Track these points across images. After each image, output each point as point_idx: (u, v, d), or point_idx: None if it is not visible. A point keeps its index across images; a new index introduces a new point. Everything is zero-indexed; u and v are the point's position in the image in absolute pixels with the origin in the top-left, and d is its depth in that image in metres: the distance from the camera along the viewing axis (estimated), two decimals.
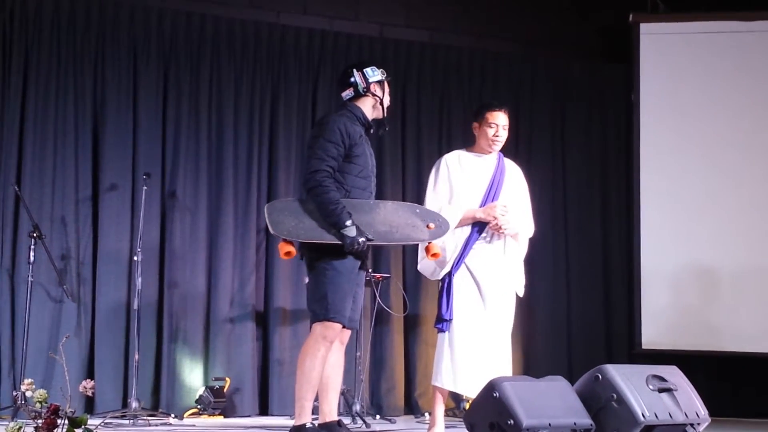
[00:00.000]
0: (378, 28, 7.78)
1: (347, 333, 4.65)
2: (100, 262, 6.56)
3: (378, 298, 6.53)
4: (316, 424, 4.58)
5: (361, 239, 4.38)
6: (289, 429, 4.47)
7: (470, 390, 4.87)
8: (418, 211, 4.70)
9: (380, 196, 7.34)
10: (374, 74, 4.69)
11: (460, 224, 5.01)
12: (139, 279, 6.14)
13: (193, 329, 6.74)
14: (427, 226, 4.63)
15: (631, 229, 7.92)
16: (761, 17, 7.79)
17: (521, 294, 5.17)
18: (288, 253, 4.47)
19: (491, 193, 5.07)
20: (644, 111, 7.89)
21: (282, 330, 6.97)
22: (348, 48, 7.51)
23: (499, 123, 5.12)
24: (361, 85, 4.67)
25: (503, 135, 5.14)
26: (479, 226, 5.01)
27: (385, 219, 4.57)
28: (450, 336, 4.95)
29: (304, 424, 4.43)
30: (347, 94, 4.70)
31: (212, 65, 7.07)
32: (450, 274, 4.99)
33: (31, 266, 6.03)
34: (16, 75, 6.53)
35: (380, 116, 4.76)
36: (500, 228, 4.96)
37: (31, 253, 6.03)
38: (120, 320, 6.52)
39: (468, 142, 7.76)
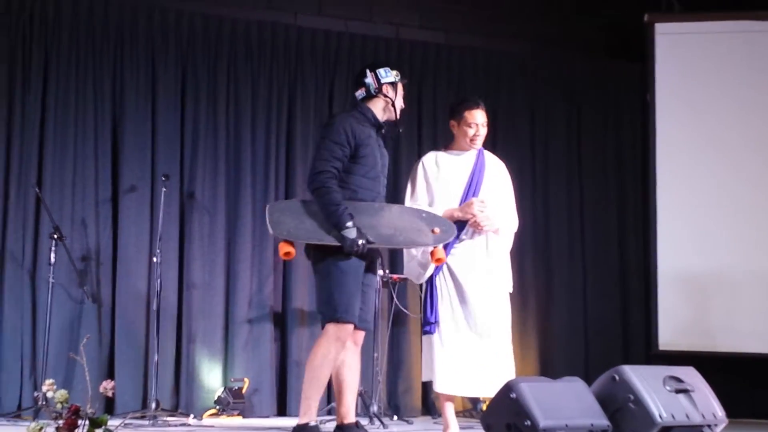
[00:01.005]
0: (393, 29, 7.80)
1: (361, 334, 4.65)
2: (119, 264, 6.61)
3: (395, 299, 6.56)
4: (334, 426, 4.63)
5: (361, 241, 4.38)
6: (293, 427, 4.51)
7: (462, 390, 4.90)
8: (424, 215, 4.70)
9: (398, 195, 7.39)
10: (387, 75, 4.70)
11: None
12: (159, 280, 6.18)
13: (211, 330, 6.78)
14: (432, 231, 4.62)
15: (648, 229, 7.91)
16: None
17: (510, 289, 5.05)
18: (287, 254, 4.48)
19: (470, 191, 4.95)
20: (660, 111, 7.88)
21: (300, 331, 7.00)
22: (363, 49, 7.54)
23: (478, 122, 4.99)
24: (373, 85, 4.68)
25: (483, 133, 5.02)
26: (459, 226, 4.87)
27: (390, 222, 4.58)
28: (437, 338, 4.90)
29: (308, 423, 4.45)
30: (360, 93, 4.71)
31: (230, 66, 7.11)
32: (432, 277, 4.93)
33: (51, 267, 6.09)
34: (36, 77, 6.59)
35: (392, 118, 4.75)
36: (479, 225, 4.86)
37: (52, 255, 6.09)
38: (139, 321, 6.57)
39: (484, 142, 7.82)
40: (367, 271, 4.60)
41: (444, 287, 4.92)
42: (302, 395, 4.51)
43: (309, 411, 4.46)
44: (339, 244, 4.41)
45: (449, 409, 5.01)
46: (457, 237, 4.87)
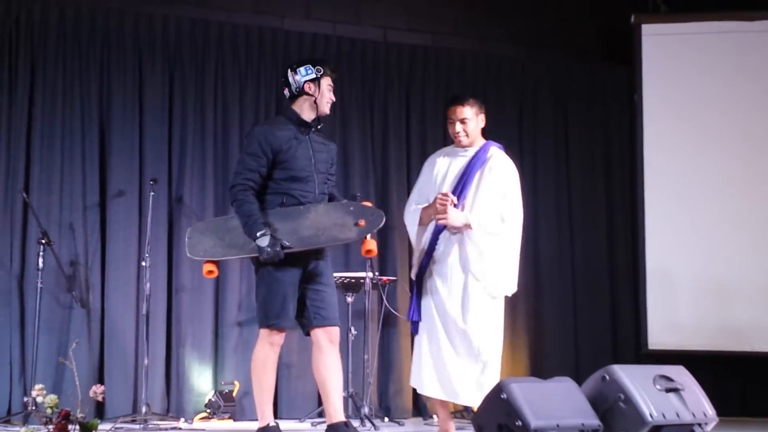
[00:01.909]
0: (381, 32, 7.81)
1: (333, 330, 4.70)
2: (108, 268, 6.60)
3: (385, 300, 6.56)
4: (325, 426, 4.69)
5: (275, 249, 4.47)
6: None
7: (434, 392, 4.84)
8: (351, 209, 4.70)
9: (386, 199, 7.41)
10: (307, 73, 4.74)
11: (422, 223, 4.91)
12: (148, 284, 6.18)
13: (201, 334, 6.77)
14: (357, 224, 4.63)
15: (636, 229, 7.94)
16: (763, 17, 7.81)
17: (497, 293, 4.82)
18: (210, 272, 4.68)
19: (458, 188, 4.87)
20: (647, 112, 7.92)
21: (289, 334, 6.84)
22: (351, 52, 7.55)
23: (456, 117, 4.93)
24: (294, 85, 4.74)
25: (462, 128, 4.92)
26: (436, 227, 4.83)
27: (313, 223, 4.61)
28: (417, 338, 4.90)
29: (267, 425, 4.62)
30: (286, 93, 4.80)
31: (217, 71, 7.10)
32: (418, 276, 4.91)
33: (40, 272, 6.07)
34: (23, 82, 6.57)
35: (320, 113, 4.76)
36: (438, 219, 4.77)
37: (40, 260, 6.06)
38: (129, 325, 6.55)
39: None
40: (316, 275, 4.68)
41: (427, 287, 4.87)
42: (255, 402, 4.72)
43: (263, 415, 4.64)
44: (256, 254, 4.53)
45: (440, 410, 5.00)
46: (438, 237, 4.83)
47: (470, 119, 4.94)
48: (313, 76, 4.73)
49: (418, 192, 5.03)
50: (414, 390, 7.16)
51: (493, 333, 4.81)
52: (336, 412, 4.66)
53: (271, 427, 4.62)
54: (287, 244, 4.51)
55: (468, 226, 4.77)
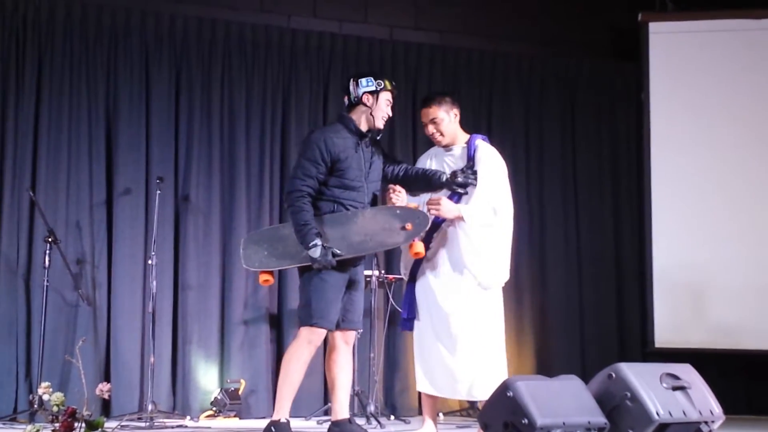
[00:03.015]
0: (387, 30, 7.80)
1: (351, 334, 4.86)
2: (114, 266, 6.60)
3: (391, 299, 6.56)
4: (330, 423, 4.83)
5: (327, 258, 4.55)
6: (267, 422, 4.78)
7: (425, 388, 4.88)
8: (398, 212, 4.73)
9: None
10: (367, 84, 4.81)
11: None
12: (154, 282, 6.19)
13: (207, 332, 6.77)
14: (404, 228, 4.68)
15: (643, 227, 7.93)
16: None
17: (490, 284, 4.82)
18: (266, 281, 4.80)
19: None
20: (654, 110, 7.90)
21: (296, 332, 6.95)
22: (358, 51, 7.54)
23: (426, 120, 4.95)
24: (353, 94, 4.82)
25: (434, 129, 4.93)
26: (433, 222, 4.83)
27: (361, 228, 4.68)
28: (414, 335, 4.94)
29: (279, 420, 4.69)
30: (345, 102, 4.87)
31: (224, 69, 7.11)
32: (414, 274, 4.92)
33: (46, 271, 6.08)
34: (30, 80, 6.58)
35: (374, 126, 4.82)
36: (432, 211, 4.76)
37: (47, 258, 6.08)
38: (135, 323, 6.56)
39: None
40: (354, 280, 4.80)
41: (419, 284, 4.89)
42: (277, 394, 4.78)
43: (282, 409, 4.72)
44: (308, 263, 4.62)
45: (425, 407, 5.02)
46: (430, 236, 4.83)
47: (442, 118, 4.94)
48: (373, 88, 4.81)
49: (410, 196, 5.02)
50: None
51: (490, 325, 4.82)
52: (341, 409, 4.81)
53: (282, 422, 4.69)
54: (338, 252, 4.60)
55: (460, 218, 4.78)
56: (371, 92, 4.79)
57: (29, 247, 6.42)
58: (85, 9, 6.78)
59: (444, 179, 4.84)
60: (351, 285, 4.80)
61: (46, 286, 6.08)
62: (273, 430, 4.67)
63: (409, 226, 4.67)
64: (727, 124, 7.76)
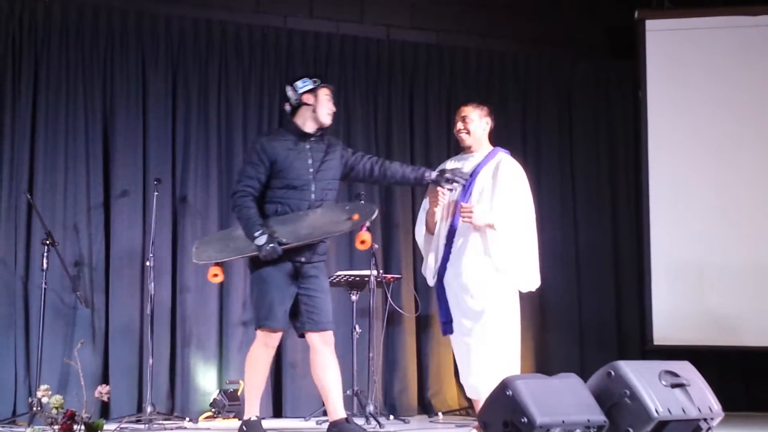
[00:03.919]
0: (384, 30, 7.80)
1: (326, 334, 4.95)
2: (112, 268, 6.60)
3: (389, 299, 6.54)
4: (328, 423, 4.95)
5: (271, 245, 4.73)
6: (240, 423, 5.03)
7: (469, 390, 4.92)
8: (347, 207, 4.99)
9: (389, 197, 7.40)
10: (304, 85, 4.99)
11: (428, 229, 4.99)
12: (152, 284, 6.18)
13: (206, 333, 6.77)
14: (350, 218, 4.88)
15: (641, 225, 7.93)
16: (767, 11, 7.79)
17: (525, 287, 4.93)
18: (215, 275, 4.98)
19: (465, 192, 4.91)
20: (651, 107, 7.90)
21: (294, 333, 6.94)
22: (354, 51, 7.54)
23: (458, 116, 5.04)
24: (293, 99, 5.00)
25: (462, 126, 4.99)
26: (450, 228, 4.91)
27: (310, 223, 4.87)
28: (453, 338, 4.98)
29: (249, 418, 4.95)
30: (287, 108, 5.06)
31: (220, 70, 7.10)
32: (439, 279, 4.95)
33: (44, 273, 6.07)
34: (26, 83, 6.57)
35: (321, 124, 4.98)
36: (464, 219, 4.81)
37: (44, 261, 6.06)
38: (134, 325, 6.56)
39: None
40: (309, 281, 4.92)
41: (449, 288, 4.91)
42: (245, 395, 5.04)
43: (251, 408, 4.96)
44: (255, 253, 4.79)
45: None
46: (453, 238, 4.88)
47: (472, 119, 4.99)
48: (311, 86, 4.99)
49: (427, 201, 5.07)
50: (419, 388, 7.23)
51: (512, 328, 4.90)
52: (336, 409, 4.91)
53: (253, 420, 4.92)
54: (284, 240, 4.77)
55: (491, 226, 4.81)
56: (309, 91, 4.96)
57: (27, 249, 6.41)
58: (81, 11, 6.77)
59: (433, 176, 4.92)
60: (308, 286, 4.91)
61: (44, 288, 6.07)
62: (245, 429, 4.88)
63: (355, 216, 4.88)
64: (724, 121, 7.76)
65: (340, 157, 5.02)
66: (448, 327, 4.94)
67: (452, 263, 4.89)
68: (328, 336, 4.95)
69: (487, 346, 4.80)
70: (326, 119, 4.97)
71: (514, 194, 4.89)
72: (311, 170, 4.91)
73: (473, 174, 4.93)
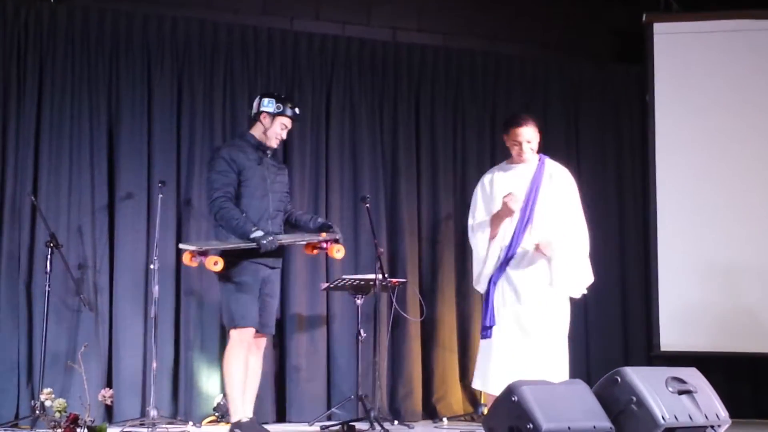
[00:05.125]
0: (390, 32, 7.78)
1: (263, 340, 5.33)
2: (116, 271, 6.58)
3: (395, 303, 6.52)
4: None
5: (270, 237, 5.00)
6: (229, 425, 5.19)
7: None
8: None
9: (395, 199, 7.37)
10: (267, 105, 5.24)
11: (493, 235, 5.17)
12: (156, 287, 6.15)
13: (210, 337, 6.74)
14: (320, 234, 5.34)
15: (648, 230, 7.89)
16: None
17: (575, 295, 5.33)
18: (215, 263, 5.06)
19: (528, 203, 5.16)
20: (659, 111, 7.87)
21: (298, 336, 6.96)
22: (361, 53, 7.51)
23: (522, 139, 5.24)
24: (254, 110, 5.33)
25: (528, 148, 5.23)
26: (515, 236, 5.14)
27: (288, 231, 5.35)
28: (492, 342, 5.12)
29: (240, 420, 5.09)
30: (249, 114, 5.42)
31: (226, 73, 7.08)
32: (491, 283, 5.15)
33: (48, 276, 6.06)
34: (31, 86, 6.56)
35: (270, 144, 5.31)
36: (538, 250, 5.10)
37: (48, 263, 6.06)
38: (137, 329, 6.53)
39: (482, 145, 7.80)
40: (267, 285, 5.24)
41: (500, 293, 5.12)
42: (228, 399, 5.19)
43: (237, 409, 5.12)
44: (251, 245, 5.00)
45: None
46: (517, 245, 5.13)
47: (537, 141, 5.29)
48: (271, 110, 5.24)
49: (483, 211, 5.28)
50: (423, 392, 7.19)
51: (563, 333, 5.21)
52: (246, 408, 5.18)
53: (244, 422, 5.07)
54: (280, 237, 5.06)
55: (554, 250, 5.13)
56: (269, 113, 5.25)
57: (31, 252, 6.39)
58: (86, 13, 6.76)
59: (318, 223, 5.39)
60: (265, 289, 5.22)
61: (48, 291, 6.06)
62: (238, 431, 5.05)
63: (323, 234, 5.29)
64: (733, 125, 7.72)
65: (286, 178, 5.41)
66: (489, 332, 5.13)
67: (510, 274, 5.13)
68: (263, 342, 5.34)
69: (545, 352, 5.06)
70: (273, 143, 5.29)
71: (571, 204, 5.26)
72: (268, 181, 5.22)
73: (533, 185, 5.20)
